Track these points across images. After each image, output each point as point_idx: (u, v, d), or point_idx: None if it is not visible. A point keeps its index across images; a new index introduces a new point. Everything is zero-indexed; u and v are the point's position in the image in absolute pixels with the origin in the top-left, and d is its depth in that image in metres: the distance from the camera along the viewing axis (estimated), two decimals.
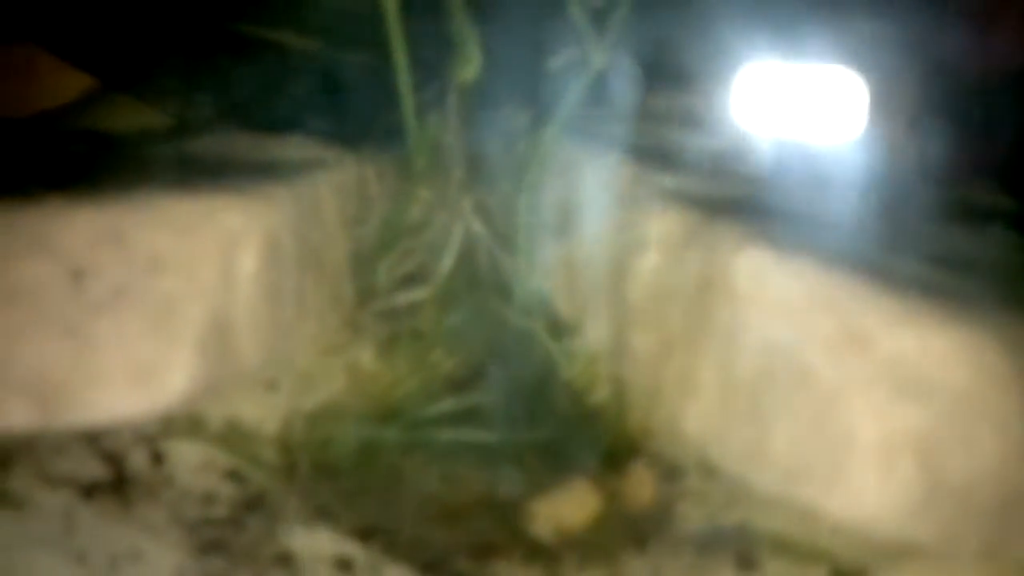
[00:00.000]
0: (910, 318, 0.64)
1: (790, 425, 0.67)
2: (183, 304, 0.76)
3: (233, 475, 0.83)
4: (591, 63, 0.94)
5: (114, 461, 0.80)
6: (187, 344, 0.76)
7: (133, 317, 0.75)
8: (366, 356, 0.94)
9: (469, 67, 0.93)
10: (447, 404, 0.91)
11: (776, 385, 0.68)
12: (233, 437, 0.84)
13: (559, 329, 0.96)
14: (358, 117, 1.06)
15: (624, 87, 1.12)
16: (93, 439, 0.80)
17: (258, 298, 0.82)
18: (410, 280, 1.00)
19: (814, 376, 0.65)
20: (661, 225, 0.81)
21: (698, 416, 0.74)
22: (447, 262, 0.97)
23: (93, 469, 0.79)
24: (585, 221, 0.93)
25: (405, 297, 0.96)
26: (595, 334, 0.89)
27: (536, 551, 0.79)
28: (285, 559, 0.76)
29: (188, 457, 0.83)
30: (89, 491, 0.77)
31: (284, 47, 1.13)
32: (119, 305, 0.75)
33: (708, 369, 0.73)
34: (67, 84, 1.33)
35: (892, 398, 0.63)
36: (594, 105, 1.05)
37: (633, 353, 0.83)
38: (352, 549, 0.78)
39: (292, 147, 1.01)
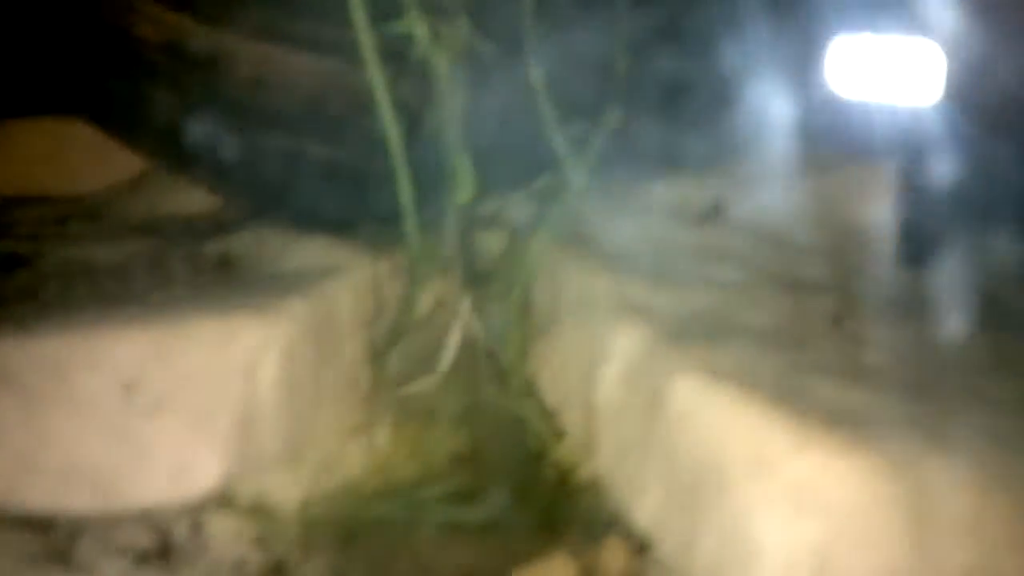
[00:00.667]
0: (809, 446, 0.76)
1: (713, 529, 0.79)
2: (215, 409, 0.91)
3: (260, 543, 0.98)
4: (572, 183, 1.07)
5: (161, 533, 0.95)
6: (219, 442, 0.91)
7: (174, 421, 0.90)
8: (380, 437, 1.08)
9: (464, 191, 1.07)
10: (446, 484, 1.05)
11: (704, 494, 0.80)
12: (260, 512, 0.99)
13: (547, 415, 1.09)
14: (375, 216, 1.20)
15: (619, 175, 1.24)
16: (144, 516, 0.95)
17: (278, 398, 0.96)
18: (419, 368, 1.14)
19: (732, 492, 0.78)
20: (623, 340, 0.94)
21: (648, 511, 0.87)
22: (448, 355, 1.10)
23: (144, 539, 0.94)
24: (564, 325, 1.06)
25: (414, 386, 1.10)
26: (573, 426, 1.02)
27: None
28: None
29: (222, 528, 0.97)
30: (142, 558, 0.92)
31: (311, 154, 1.28)
32: (162, 411, 0.90)
33: (653, 475, 0.86)
34: (125, 163, 1.49)
35: (793, 514, 0.75)
36: (591, 197, 1.18)
37: (600, 448, 0.96)
38: None
39: (314, 250, 1.16)
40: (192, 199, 1.40)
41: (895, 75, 1.14)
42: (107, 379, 0.90)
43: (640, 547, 0.94)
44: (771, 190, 1.33)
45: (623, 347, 0.94)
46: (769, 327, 0.98)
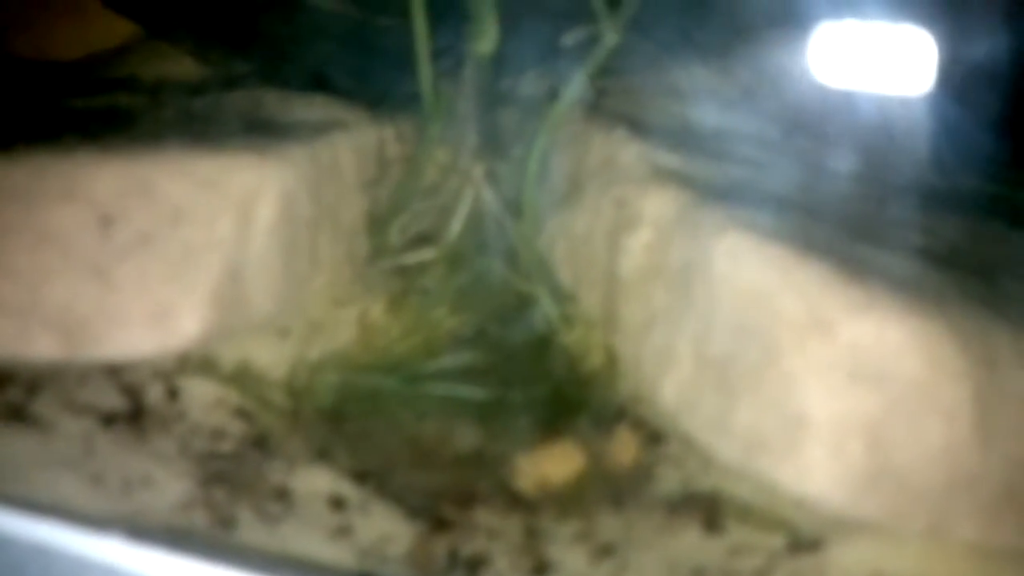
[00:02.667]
0: (870, 307, 0.67)
1: (753, 401, 0.71)
2: (201, 253, 0.82)
3: (241, 413, 0.90)
4: (604, 40, 0.97)
5: (132, 394, 0.86)
6: (203, 290, 0.82)
7: (155, 263, 0.81)
8: (375, 310, 1.00)
9: (485, 40, 0.97)
10: (447, 360, 0.96)
11: (744, 363, 0.72)
12: (243, 378, 0.90)
13: (560, 295, 1.01)
14: (382, 79, 1.11)
15: (639, 62, 1.16)
16: (114, 373, 0.86)
17: (272, 251, 0.87)
18: (421, 240, 1.05)
19: (778, 357, 0.70)
20: (655, 205, 0.85)
21: (674, 387, 0.79)
22: (456, 225, 1.01)
23: (112, 400, 0.85)
24: (586, 194, 0.97)
25: (415, 256, 1.01)
26: (590, 303, 0.94)
27: (517, 503, 0.85)
28: (283, 494, 0.82)
29: (200, 394, 0.89)
30: (108, 420, 0.83)
31: (314, 7, 1.18)
32: (142, 251, 0.81)
33: (685, 344, 0.77)
34: (113, 29, 1.39)
35: (847, 382, 0.67)
36: (611, 77, 1.09)
37: (622, 324, 0.88)
38: (346, 489, 0.83)
39: (316, 107, 1.06)
40: (182, 65, 1.30)
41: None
42: (82, 211, 0.81)
43: (653, 437, 0.87)
44: (803, 82, 1.25)
45: (655, 211, 0.85)
46: (813, 203, 0.90)
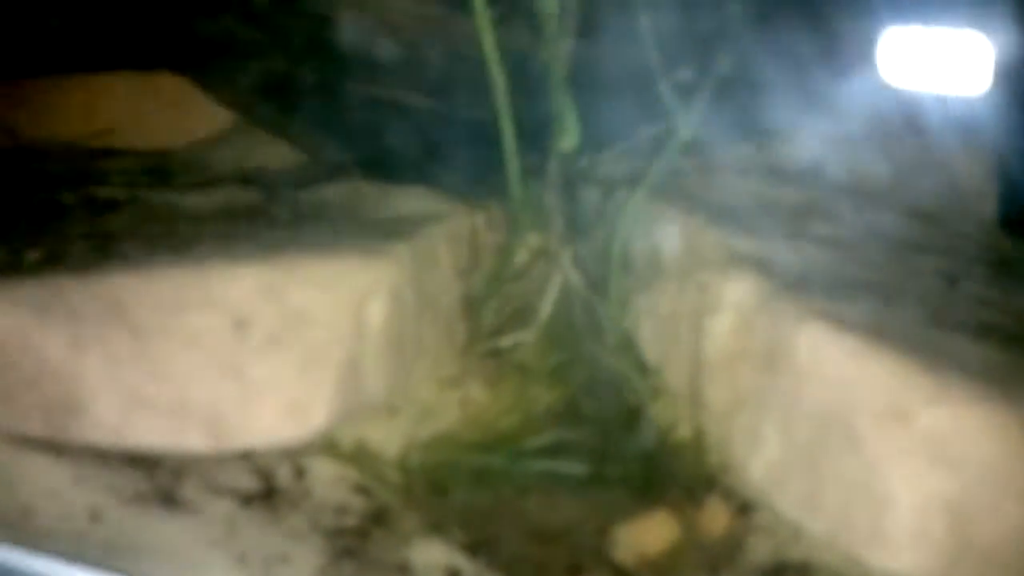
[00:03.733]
0: (945, 396, 0.73)
1: (839, 483, 0.77)
2: (324, 350, 0.90)
3: (360, 490, 0.98)
4: (678, 134, 1.05)
5: (264, 475, 0.95)
6: (328, 384, 0.90)
7: (284, 361, 0.90)
8: (475, 389, 1.08)
9: (568, 137, 1.05)
10: (545, 436, 1.04)
11: (829, 447, 0.78)
12: (361, 457, 0.99)
13: (646, 370, 1.08)
14: (472, 171, 1.19)
15: (712, 137, 1.22)
16: (247, 455, 0.95)
17: (384, 343, 0.96)
18: (515, 320, 1.13)
19: (861, 443, 0.76)
20: (735, 291, 0.92)
21: (762, 465, 0.85)
22: (546, 307, 1.09)
23: (248, 482, 0.94)
24: (669, 278, 1.04)
25: (510, 339, 1.09)
26: (677, 380, 1.00)
27: (618, 573, 0.91)
28: (404, 568, 0.90)
29: (324, 473, 0.97)
30: (246, 501, 0.92)
31: (405, 105, 1.27)
32: (273, 351, 0.90)
33: (772, 426, 0.84)
34: (213, 117, 1.49)
35: (927, 467, 0.73)
36: (686, 155, 1.16)
37: (709, 402, 0.94)
38: (461, 562, 0.91)
39: (412, 199, 1.15)
40: (281, 153, 1.41)
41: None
42: (220, 316, 0.90)
43: (743, 507, 0.93)
44: (869, 152, 1.30)
45: (736, 297, 0.92)
46: (886, 283, 0.96)
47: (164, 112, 1.52)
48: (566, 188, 1.11)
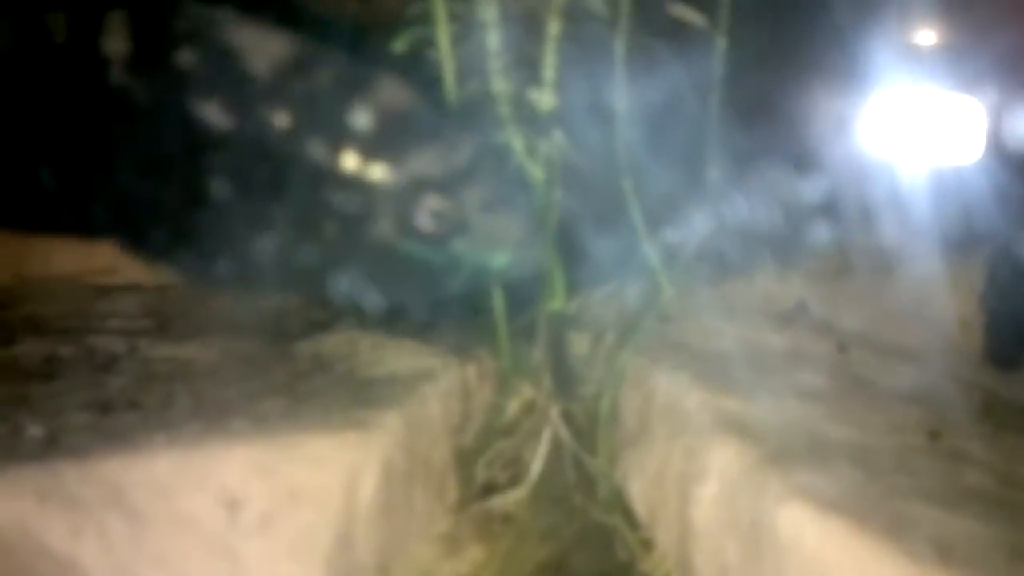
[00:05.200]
0: None
1: None
2: (316, 529, 0.92)
3: None
4: (663, 291, 1.08)
5: None
6: (319, 562, 0.92)
7: (277, 541, 0.91)
8: (469, 547, 1.09)
9: (556, 299, 1.08)
10: None
11: None
12: None
13: (636, 524, 1.09)
14: (467, 322, 1.22)
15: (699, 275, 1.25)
16: None
17: (375, 512, 0.97)
18: (507, 475, 1.15)
19: None
20: (720, 460, 0.94)
21: None
22: (537, 465, 1.11)
23: None
24: (655, 437, 1.06)
25: (502, 499, 1.10)
26: (666, 538, 1.02)
27: None
28: None
29: None
30: None
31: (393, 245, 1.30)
32: (265, 531, 0.91)
33: None
34: None
35: None
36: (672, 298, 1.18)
37: (697, 567, 0.95)
38: None
39: (404, 355, 1.17)
40: (272, 301, 1.44)
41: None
42: (212, 498, 0.92)
43: None
44: (853, 287, 1.33)
45: (720, 467, 0.94)
46: (866, 443, 0.97)
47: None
48: (555, 341, 1.14)
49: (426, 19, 1.08)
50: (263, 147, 1.18)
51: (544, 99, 1.07)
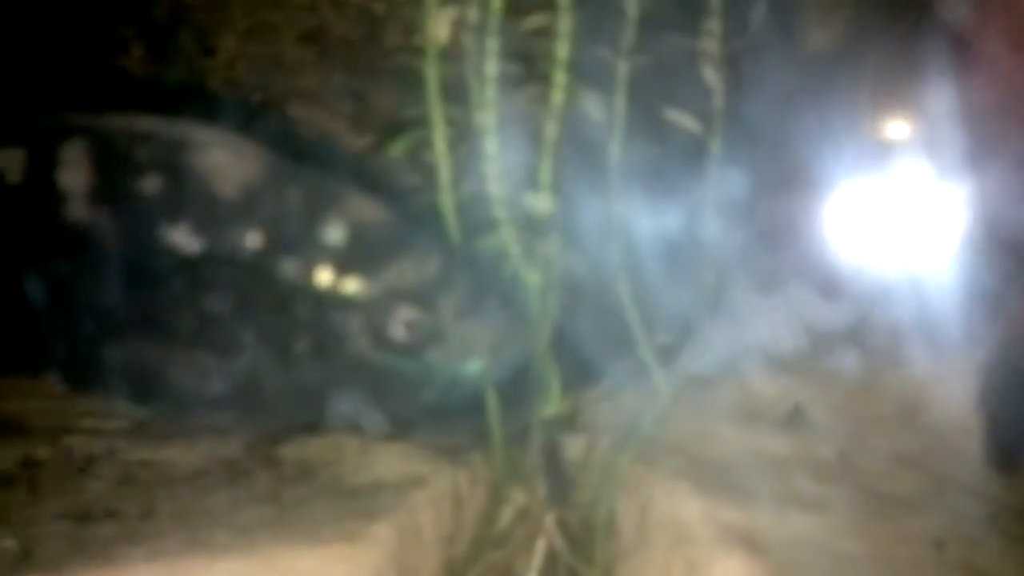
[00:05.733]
0: None
1: None
2: None
3: None
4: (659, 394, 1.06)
5: None
6: None
7: None
8: None
9: (549, 404, 1.06)
10: None
11: None
12: None
13: None
14: (457, 424, 1.19)
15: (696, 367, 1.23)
16: None
17: None
18: None
19: None
20: (725, 572, 0.90)
21: None
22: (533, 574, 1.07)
23: None
24: (654, 548, 1.02)
25: None
26: None
27: None
28: None
29: None
30: None
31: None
32: None
33: None
34: None
35: None
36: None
37: None
38: None
39: (393, 459, 1.14)
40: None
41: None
42: None
43: None
44: (848, 389, 1.32)
45: None
46: (874, 555, 0.94)
47: None
48: (549, 446, 1.11)
49: (422, 122, 1.08)
50: (234, 268, 1.17)
51: (541, 203, 1.06)
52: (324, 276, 1.01)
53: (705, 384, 1.26)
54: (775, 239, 1.22)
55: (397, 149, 1.08)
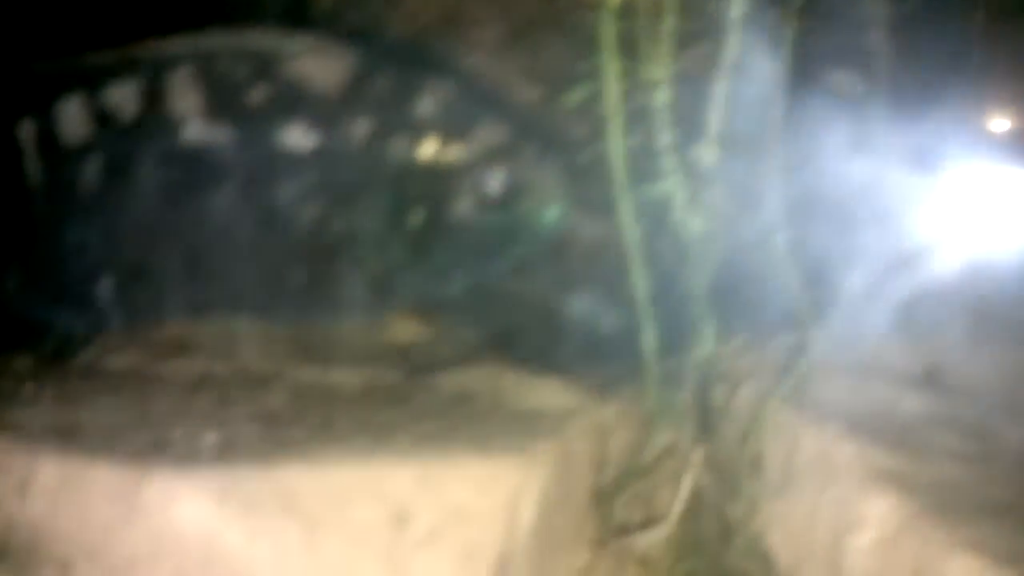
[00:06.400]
0: None
1: None
2: (481, 548, 0.95)
3: None
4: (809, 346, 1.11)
5: None
6: None
7: (443, 556, 0.94)
8: None
9: (704, 346, 1.11)
10: None
11: None
12: None
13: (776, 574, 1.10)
14: (608, 362, 1.25)
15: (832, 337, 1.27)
16: None
17: (531, 539, 1.00)
18: (643, 516, 1.16)
19: None
20: (878, 509, 0.95)
21: None
22: (678, 507, 1.13)
23: None
24: (803, 487, 1.07)
25: (641, 537, 1.12)
26: None
27: None
28: None
29: None
30: None
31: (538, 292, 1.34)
32: (432, 547, 0.94)
33: None
34: None
35: None
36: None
37: None
38: None
39: (548, 392, 1.21)
40: (407, 330, 1.48)
41: None
42: (382, 510, 0.95)
43: None
44: (989, 352, 1.34)
45: (878, 518, 0.95)
46: (1019, 505, 0.98)
47: None
48: (700, 386, 1.16)
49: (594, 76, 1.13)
50: (348, 158, 1.26)
51: (707, 154, 1.11)
52: (428, 148, 1.10)
53: (846, 342, 1.29)
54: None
55: (570, 101, 1.14)
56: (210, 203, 1.34)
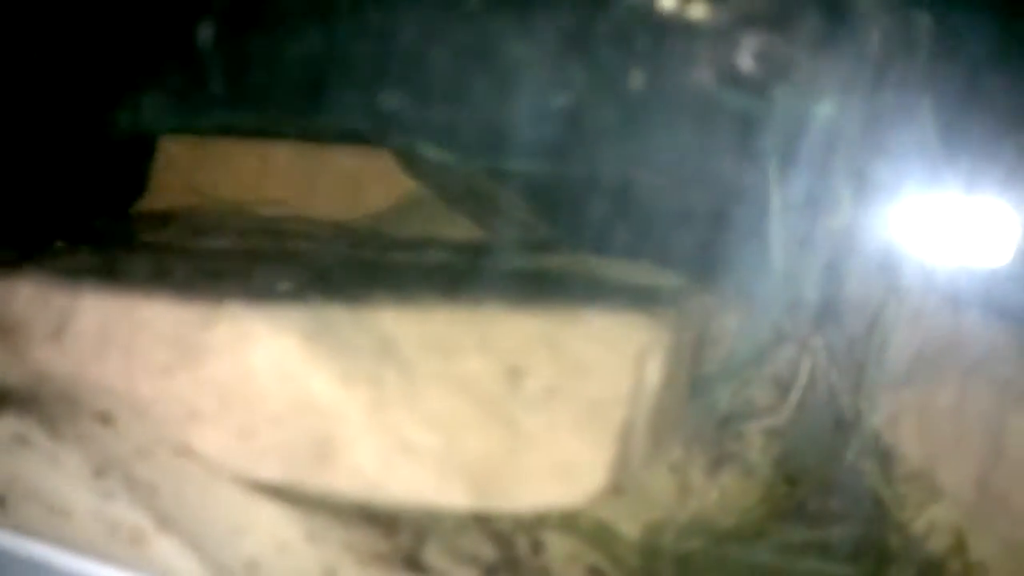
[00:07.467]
0: None
1: None
2: (605, 408, 0.83)
3: (595, 572, 0.88)
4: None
5: (505, 546, 0.86)
6: (607, 447, 0.82)
7: (562, 416, 0.82)
8: (721, 475, 0.99)
9: (840, 214, 1.00)
10: (797, 534, 0.95)
11: None
12: (601, 536, 0.90)
13: (894, 472, 0.99)
14: (697, 253, 1.14)
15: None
16: (481, 521, 0.86)
17: (653, 408, 0.88)
18: (746, 406, 1.05)
19: None
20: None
21: None
22: (794, 397, 1.01)
23: (489, 552, 0.85)
24: (944, 369, 0.97)
25: (756, 424, 1.01)
26: (956, 483, 0.92)
27: None
28: None
29: (560, 550, 0.88)
30: (490, 571, 0.83)
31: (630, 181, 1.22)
32: (549, 404, 0.82)
33: None
34: (386, 192, 1.46)
35: None
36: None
37: (1008, 508, 0.86)
38: None
39: (642, 274, 1.09)
40: (464, 226, 1.36)
41: None
42: (493, 364, 0.83)
43: None
44: None
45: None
46: None
47: (336, 185, 1.47)
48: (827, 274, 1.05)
49: None
50: None
51: None
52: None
53: None
54: None
55: None
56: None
